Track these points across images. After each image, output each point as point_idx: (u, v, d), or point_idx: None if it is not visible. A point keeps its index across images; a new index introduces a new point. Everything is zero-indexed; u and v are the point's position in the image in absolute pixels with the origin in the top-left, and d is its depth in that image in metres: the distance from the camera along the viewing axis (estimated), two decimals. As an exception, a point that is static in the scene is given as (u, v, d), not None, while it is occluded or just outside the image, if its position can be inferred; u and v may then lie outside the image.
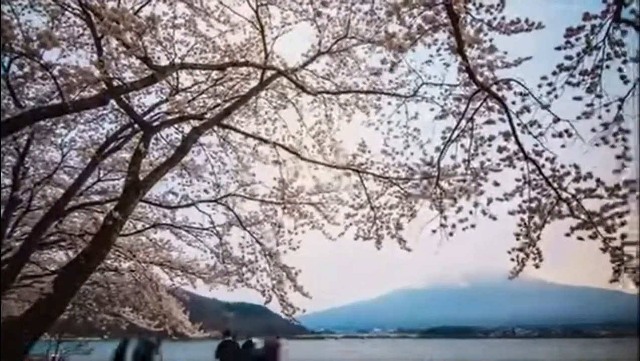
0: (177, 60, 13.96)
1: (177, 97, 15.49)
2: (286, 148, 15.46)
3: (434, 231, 11.27)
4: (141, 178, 11.89)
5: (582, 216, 9.09)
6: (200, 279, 20.33)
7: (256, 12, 13.56)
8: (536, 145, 9.56)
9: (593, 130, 8.50)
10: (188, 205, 17.60)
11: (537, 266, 9.81)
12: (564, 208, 9.45)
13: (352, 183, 14.66)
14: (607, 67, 8.33)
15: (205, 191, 17.70)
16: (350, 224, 13.98)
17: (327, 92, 15.50)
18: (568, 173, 9.29)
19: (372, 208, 13.96)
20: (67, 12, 12.00)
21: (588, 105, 8.56)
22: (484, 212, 10.45)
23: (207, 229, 18.51)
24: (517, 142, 9.67)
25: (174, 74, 14.89)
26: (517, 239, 9.94)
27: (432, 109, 11.88)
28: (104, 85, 10.58)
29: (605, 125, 8.42)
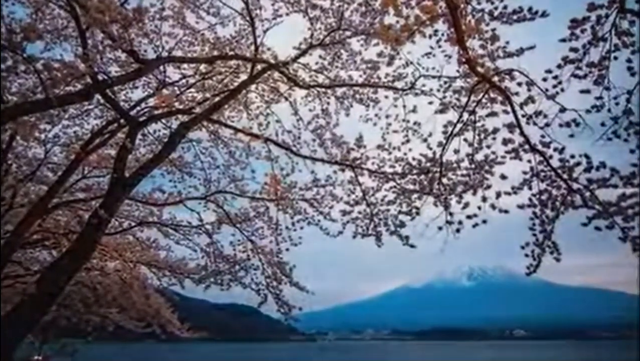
0: (165, 54, 13.94)
1: (165, 91, 15.45)
2: (278, 144, 15.44)
3: (440, 228, 11.25)
4: (127, 175, 11.87)
5: (597, 206, 9.03)
6: (190, 279, 20.30)
7: (246, 3, 13.52)
8: (543, 137, 9.54)
9: (603, 124, 8.50)
10: (176, 203, 17.55)
11: (557, 260, 9.75)
12: (577, 199, 9.40)
13: (347, 179, 14.63)
14: (615, 58, 8.33)
15: (195, 187, 17.67)
16: (348, 221, 13.97)
17: (320, 86, 15.44)
18: (578, 164, 9.24)
19: (368, 204, 13.95)
20: (51, 4, 11.94)
21: (597, 98, 8.56)
22: (493, 206, 10.39)
23: (196, 227, 18.48)
24: (522, 134, 9.67)
25: (161, 68, 14.86)
26: (533, 234, 9.88)
27: (431, 102, 11.88)
28: (89, 80, 10.55)
29: (615, 119, 8.42)
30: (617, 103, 8.39)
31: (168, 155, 13.17)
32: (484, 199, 10.53)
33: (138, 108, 15.95)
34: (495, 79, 9.59)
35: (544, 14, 8.82)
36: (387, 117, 12.99)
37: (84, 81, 11.03)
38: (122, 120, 14.56)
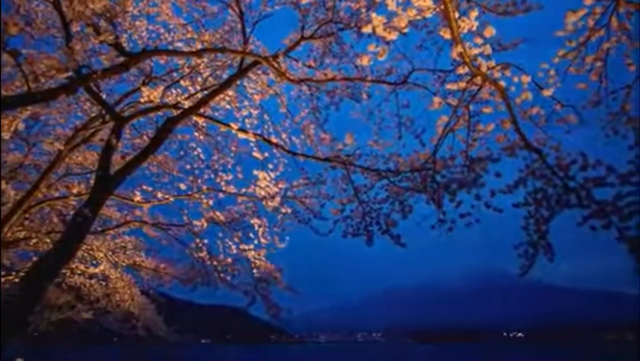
0: (151, 46, 13.92)
1: (151, 85, 15.43)
2: (267, 140, 15.43)
3: (433, 227, 11.28)
4: (112, 172, 11.89)
5: (593, 205, 9.03)
6: (176, 280, 20.31)
7: (236, -6, 13.52)
8: (539, 133, 9.57)
9: (600, 120, 8.54)
10: (162, 202, 17.51)
11: (550, 260, 9.76)
12: (572, 198, 9.39)
13: (339, 177, 14.61)
14: (614, 51, 8.37)
15: (181, 186, 17.60)
16: (338, 220, 13.94)
17: (311, 80, 15.43)
18: (574, 162, 9.26)
19: (360, 202, 13.94)
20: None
21: (594, 93, 8.61)
22: (487, 205, 10.39)
23: (182, 226, 18.46)
24: (518, 130, 9.69)
25: (147, 61, 14.85)
26: (527, 233, 9.90)
27: (424, 97, 11.92)
28: (72, 74, 10.53)
29: (613, 114, 8.47)
30: (614, 99, 8.45)
31: (154, 151, 13.18)
32: (478, 197, 10.56)
33: (123, 103, 15.96)
34: (491, 73, 9.60)
35: (537, 6, 8.88)
36: (380, 112, 13.04)
37: (68, 75, 11.01)
38: (107, 116, 14.54)
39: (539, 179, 9.77)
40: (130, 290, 22.50)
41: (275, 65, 14.51)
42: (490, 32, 9.22)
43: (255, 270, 16.75)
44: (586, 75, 8.56)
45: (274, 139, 15.52)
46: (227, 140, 17.02)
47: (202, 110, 14.90)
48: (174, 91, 15.80)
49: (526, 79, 9.20)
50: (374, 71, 14.04)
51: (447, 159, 11.50)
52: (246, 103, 16.38)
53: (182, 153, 17.60)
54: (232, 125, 15.39)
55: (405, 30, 8.87)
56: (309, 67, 15.18)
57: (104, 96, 15.21)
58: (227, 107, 16.44)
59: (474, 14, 8.84)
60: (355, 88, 15.01)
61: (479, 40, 9.30)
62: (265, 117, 16.18)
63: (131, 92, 15.93)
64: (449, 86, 11.25)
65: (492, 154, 10.75)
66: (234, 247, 17.10)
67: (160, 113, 15.67)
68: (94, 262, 20.55)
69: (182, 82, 15.86)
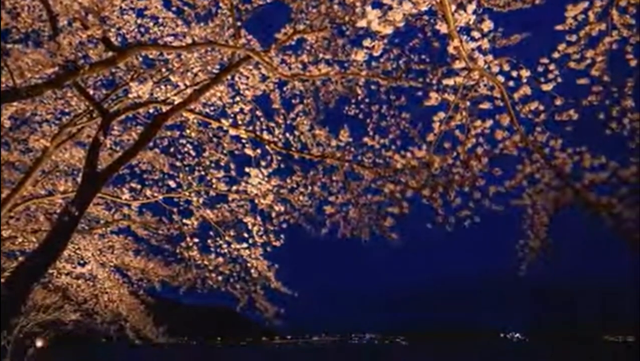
0: (140, 40, 13.89)
1: (139, 81, 15.39)
2: (260, 137, 15.39)
3: (433, 225, 11.25)
4: (99, 169, 11.84)
5: (594, 204, 9.01)
6: (166, 280, 20.28)
7: (227, -13, 13.48)
8: (539, 131, 9.55)
9: (601, 117, 8.54)
10: (150, 199, 17.48)
11: (552, 260, 9.75)
12: (573, 197, 9.38)
13: (334, 175, 14.57)
14: (615, 46, 8.39)
15: (170, 183, 17.53)
16: (334, 219, 13.90)
17: (304, 75, 15.39)
18: (575, 158, 9.24)
19: (356, 201, 13.92)
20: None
21: (595, 89, 8.61)
22: (485, 203, 10.36)
23: (172, 224, 18.40)
24: (517, 128, 9.67)
25: (136, 55, 14.80)
26: (528, 233, 9.89)
27: (421, 93, 11.89)
28: (59, 69, 10.50)
29: (613, 111, 8.48)
30: (615, 96, 8.45)
31: (142, 148, 13.13)
32: (476, 195, 10.53)
33: (111, 98, 15.91)
34: (488, 67, 9.59)
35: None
36: (375, 107, 13.02)
37: (54, 70, 10.97)
38: (94, 112, 14.51)
39: (539, 176, 9.77)
40: (119, 291, 22.51)
41: (267, 60, 14.47)
42: (487, 25, 9.21)
43: (252, 270, 16.70)
44: (587, 70, 8.57)
45: (266, 136, 15.48)
46: (219, 136, 16.97)
47: (192, 106, 14.86)
48: (163, 87, 15.77)
49: (525, 73, 9.19)
50: (370, 66, 14.02)
51: (445, 156, 11.47)
52: (238, 99, 16.34)
53: (172, 150, 17.53)
54: (224, 121, 15.38)
55: (401, 24, 8.86)
56: (302, 62, 15.13)
57: (91, 92, 15.19)
58: (219, 103, 16.40)
59: (472, 7, 8.83)
60: (350, 83, 14.98)
61: (476, 34, 9.29)
62: (258, 113, 16.14)
63: (119, 87, 15.88)
64: (445, 81, 11.23)
65: (490, 151, 10.73)
66: (225, 245, 17.06)
67: (149, 109, 15.65)
68: (81, 262, 20.53)
69: (171, 78, 15.81)
